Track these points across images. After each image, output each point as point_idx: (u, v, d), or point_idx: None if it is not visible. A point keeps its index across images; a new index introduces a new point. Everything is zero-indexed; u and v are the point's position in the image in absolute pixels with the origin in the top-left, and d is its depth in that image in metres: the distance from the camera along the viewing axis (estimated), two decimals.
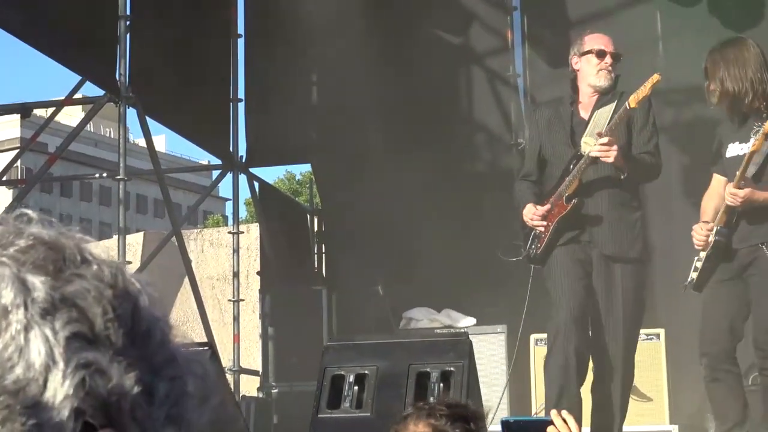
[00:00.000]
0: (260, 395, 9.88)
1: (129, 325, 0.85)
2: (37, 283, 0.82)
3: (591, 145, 5.96)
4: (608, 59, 6.23)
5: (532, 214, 6.07)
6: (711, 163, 6.23)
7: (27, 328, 0.80)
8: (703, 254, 5.95)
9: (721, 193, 5.98)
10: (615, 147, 5.88)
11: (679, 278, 9.25)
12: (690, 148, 9.59)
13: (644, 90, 5.98)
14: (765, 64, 5.94)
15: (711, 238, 5.85)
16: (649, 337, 7.69)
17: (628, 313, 5.99)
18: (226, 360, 10.29)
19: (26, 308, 0.80)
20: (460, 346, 4.82)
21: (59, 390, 0.78)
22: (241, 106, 10.43)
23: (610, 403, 5.99)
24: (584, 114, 6.24)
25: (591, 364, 6.04)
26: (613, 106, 6.09)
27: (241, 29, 10.57)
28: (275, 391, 9.67)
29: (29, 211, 0.91)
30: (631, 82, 9.85)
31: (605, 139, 5.87)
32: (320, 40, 10.31)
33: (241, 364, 10.35)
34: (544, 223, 6.03)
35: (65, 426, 0.78)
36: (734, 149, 5.93)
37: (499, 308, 8.30)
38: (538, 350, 7.88)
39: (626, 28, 9.96)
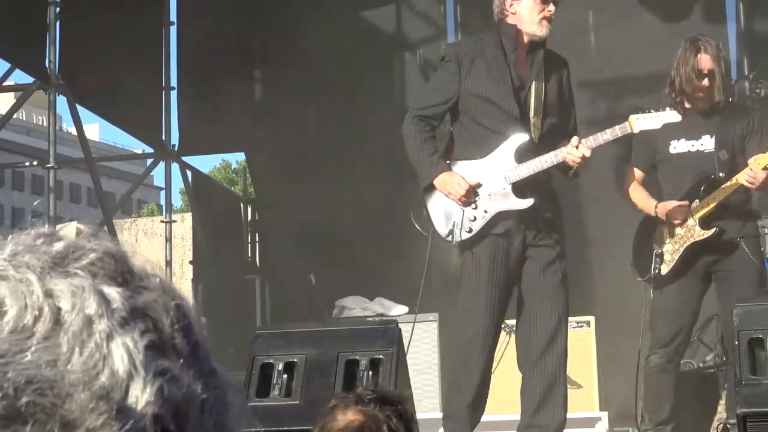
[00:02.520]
0: None
1: (189, 336, 0.89)
2: (114, 293, 0.85)
3: (539, 128, 5.49)
4: (552, 7, 5.58)
5: (464, 189, 5.38)
6: (636, 158, 6.22)
7: (110, 337, 0.83)
8: (670, 247, 5.93)
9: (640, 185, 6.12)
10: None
11: (612, 268, 9.41)
12: (623, 141, 9.70)
13: (655, 121, 5.56)
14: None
15: (693, 230, 5.88)
16: (580, 324, 7.77)
17: (562, 301, 5.60)
18: None
19: (108, 318, 0.83)
20: (389, 334, 4.83)
21: (141, 397, 0.82)
22: (174, 94, 10.37)
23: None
24: (521, 71, 5.54)
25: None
26: (543, 83, 5.53)
27: (173, 17, 10.50)
28: None
29: (75, 224, 0.95)
30: None
31: (588, 152, 5.37)
32: (257, 34, 10.31)
33: None
34: (473, 206, 5.44)
35: (147, 431, 0.82)
36: (682, 145, 5.98)
37: (432, 296, 8.33)
38: None
39: (558, 19, 10.03)
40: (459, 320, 5.60)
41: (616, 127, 5.51)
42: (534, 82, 5.49)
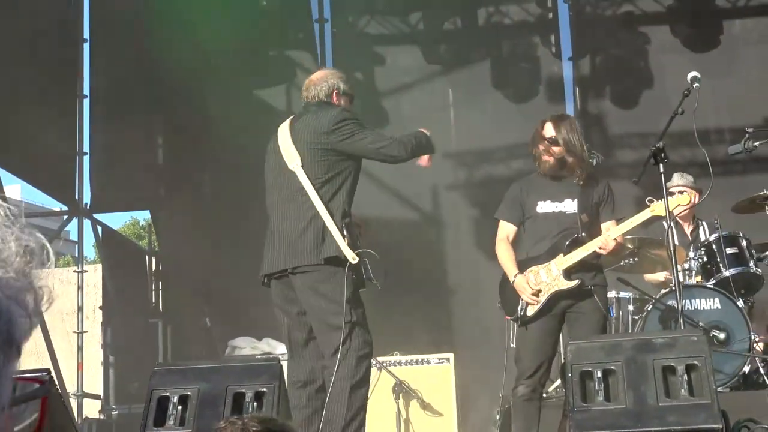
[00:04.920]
0: (102, 417, 9.66)
1: None
2: None
3: None
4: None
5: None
6: (508, 215, 6.18)
7: None
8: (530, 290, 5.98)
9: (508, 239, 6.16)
10: None
11: (470, 313, 9.53)
12: (478, 203, 9.86)
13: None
14: (584, 137, 6.15)
15: (557, 279, 5.94)
16: (441, 360, 7.82)
17: None
18: (71, 386, 10.03)
19: None
20: (272, 370, 4.80)
21: None
22: (87, 159, 10.27)
23: None
24: None
25: None
26: None
27: (86, 90, 10.41)
28: (115, 413, 9.47)
29: None
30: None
31: None
32: (161, 106, 10.27)
33: (86, 390, 10.09)
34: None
35: None
36: (547, 206, 6.04)
37: None
38: None
39: (424, 97, 10.23)
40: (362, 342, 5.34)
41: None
42: None
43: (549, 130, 6.02)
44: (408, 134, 5.56)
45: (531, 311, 5.96)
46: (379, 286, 5.37)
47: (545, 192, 6.07)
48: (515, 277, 6.01)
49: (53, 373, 4.94)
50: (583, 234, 5.97)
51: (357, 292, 5.37)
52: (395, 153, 5.49)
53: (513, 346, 6.25)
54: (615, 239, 5.92)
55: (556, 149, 5.99)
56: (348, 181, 5.50)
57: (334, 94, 5.66)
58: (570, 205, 6.04)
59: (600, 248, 5.90)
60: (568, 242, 5.96)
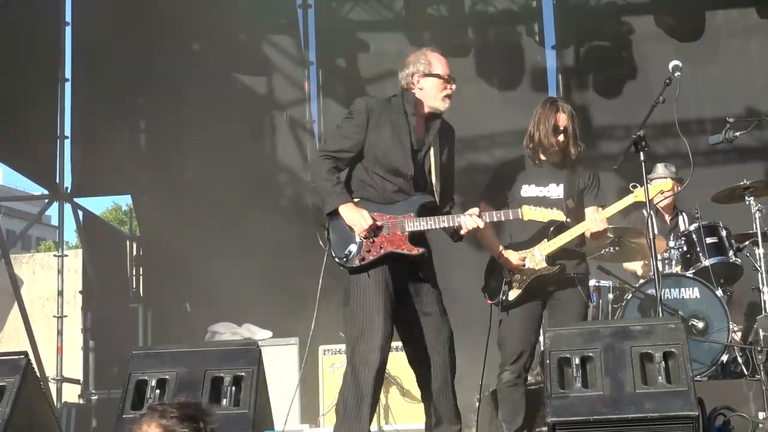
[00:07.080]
0: (81, 401, 9.65)
1: None
2: None
3: (438, 190, 5.44)
4: (453, 86, 5.46)
5: (368, 224, 5.23)
6: (490, 197, 6.08)
7: None
8: (519, 276, 5.94)
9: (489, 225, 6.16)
10: None
11: (445, 298, 9.52)
12: (462, 191, 9.84)
13: (542, 215, 5.64)
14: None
15: (540, 264, 5.92)
16: None
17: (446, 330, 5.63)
18: (50, 370, 10.02)
19: None
20: (251, 354, 4.82)
21: None
22: (68, 143, 10.25)
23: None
24: (419, 135, 5.43)
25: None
26: (438, 148, 5.47)
27: (68, 74, 10.37)
28: (95, 397, 9.46)
29: None
30: None
31: (482, 224, 5.40)
32: (143, 90, 10.25)
33: (65, 374, 10.08)
34: (370, 240, 5.26)
35: None
36: (531, 190, 6.02)
37: (293, 323, 8.32)
38: (326, 359, 7.96)
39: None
40: (352, 341, 5.22)
41: (510, 211, 5.57)
42: (432, 147, 5.42)
43: (563, 120, 5.96)
44: (327, 177, 5.29)
45: (512, 296, 5.97)
46: (332, 255, 5.24)
47: (530, 176, 6.06)
48: (501, 251, 6.00)
49: (32, 357, 4.92)
50: (569, 220, 5.97)
51: (356, 277, 5.26)
52: (312, 168, 5.38)
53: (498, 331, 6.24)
54: (602, 221, 5.92)
55: (564, 139, 5.99)
56: (353, 176, 5.43)
57: (414, 80, 5.41)
58: (554, 190, 6.04)
59: (595, 229, 5.89)
60: (552, 228, 5.96)
